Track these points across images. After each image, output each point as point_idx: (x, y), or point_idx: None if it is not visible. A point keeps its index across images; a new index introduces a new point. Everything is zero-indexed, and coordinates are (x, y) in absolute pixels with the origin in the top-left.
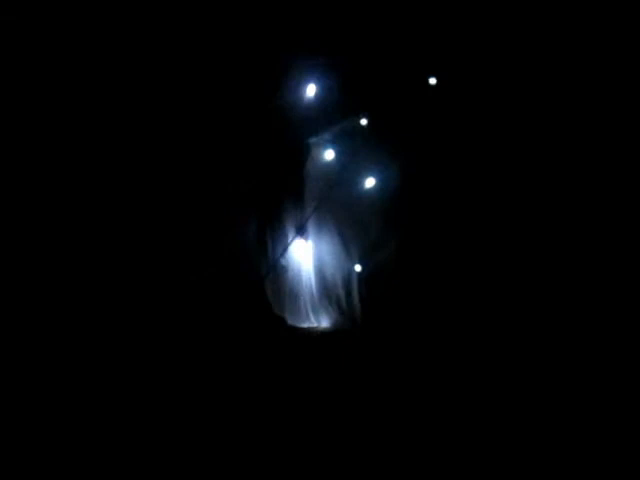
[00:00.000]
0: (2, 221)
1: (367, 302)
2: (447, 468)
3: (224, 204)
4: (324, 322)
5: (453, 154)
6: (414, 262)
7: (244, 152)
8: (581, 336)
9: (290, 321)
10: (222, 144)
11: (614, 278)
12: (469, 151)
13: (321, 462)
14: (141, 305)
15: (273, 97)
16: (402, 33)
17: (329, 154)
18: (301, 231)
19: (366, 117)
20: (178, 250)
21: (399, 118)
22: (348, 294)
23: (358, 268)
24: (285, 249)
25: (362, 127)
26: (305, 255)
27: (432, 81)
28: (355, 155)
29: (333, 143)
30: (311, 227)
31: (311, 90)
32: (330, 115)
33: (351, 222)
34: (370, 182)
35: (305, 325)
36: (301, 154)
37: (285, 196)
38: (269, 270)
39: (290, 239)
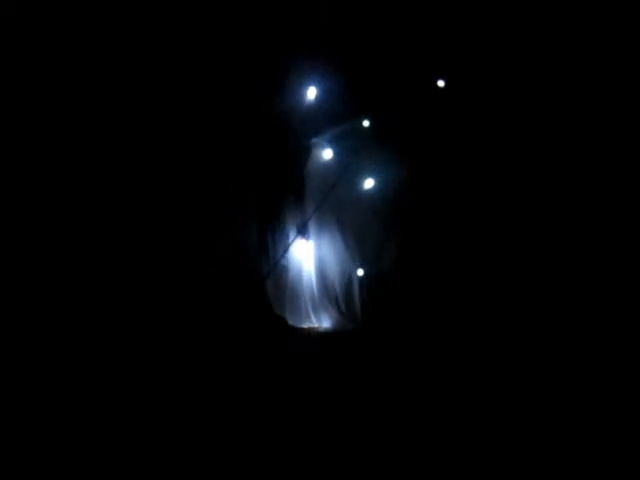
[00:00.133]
0: (2, 221)
1: (368, 302)
2: (447, 468)
3: (225, 204)
4: (325, 322)
5: (455, 156)
6: (415, 263)
7: (245, 152)
8: (582, 339)
9: (291, 321)
10: (223, 144)
11: (614, 278)
12: (471, 153)
13: (322, 462)
14: (142, 305)
15: (275, 98)
16: (404, 35)
17: (328, 153)
18: (302, 231)
19: (368, 119)
20: (179, 250)
21: (401, 119)
22: (349, 294)
23: (360, 272)
24: (286, 249)
25: (364, 128)
26: (306, 255)
27: (440, 84)
28: (356, 156)
29: (334, 144)
30: (312, 227)
31: (313, 91)
32: (332, 116)
33: (352, 223)
34: (371, 183)
35: (306, 325)
36: (302, 154)
37: (286, 196)
38: (270, 270)
39: (291, 239)
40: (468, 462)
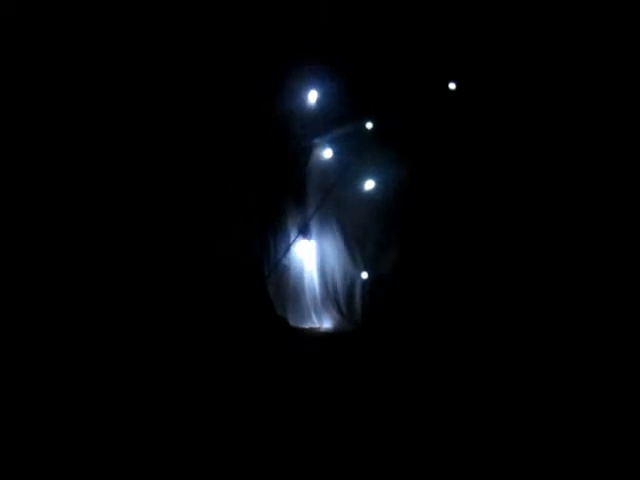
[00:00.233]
0: (2, 221)
1: (369, 303)
2: (447, 469)
3: (226, 204)
4: (326, 323)
5: (456, 157)
6: (416, 264)
7: (247, 153)
8: (582, 339)
9: (292, 321)
10: (225, 145)
11: (615, 279)
12: (472, 155)
13: (322, 462)
14: (142, 306)
15: (276, 99)
16: (405, 36)
17: (329, 154)
18: (304, 231)
19: (371, 120)
20: (180, 250)
21: (402, 121)
22: (350, 295)
23: (364, 275)
24: (287, 249)
25: (366, 130)
26: (307, 255)
27: (451, 86)
28: (358, 157)
29: (336, 145)
30: (314, 228)
31: (314, 92)
32: (333, 117)
33: (354, 223)
34: (373, 184)
35: (307, 325)
36: (304, 155)
37: (288, 197)
38: (271, 270)
39: (292, 239)
40: (468, 462)
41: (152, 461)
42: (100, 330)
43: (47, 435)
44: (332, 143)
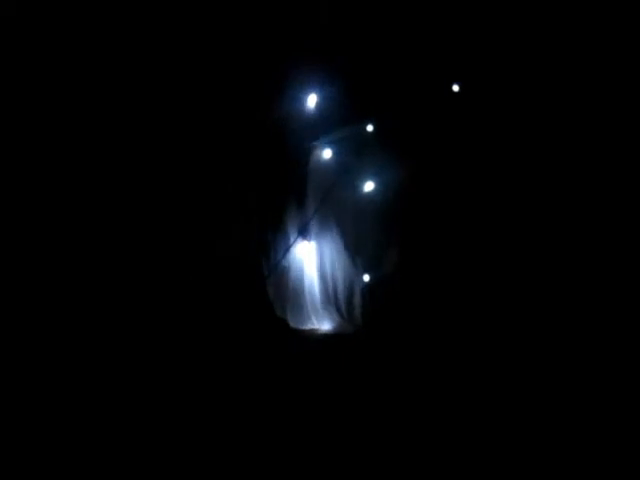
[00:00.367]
0: (2, 221)
1: (369, 305)
2: (447, 470)
3: (226, 205)
4: (326, 324)
5: (457, 160)
6: (416, 265)
7: (247, 153)
8: (582, 344)
9: (292, 322)
10: (225, 145)
11: (616, 280)
12: (474, 156)
13: (322, 464)
14: (141, 307)
15: (276, 100)
16: (407, 38)
17: (328, 154)
18: (303, 232)
19: (372, 122)
20: (180, 250)
21: (403, 122)
22: (350, 296)
23: (366, 277)
24: (287, 250)
25: (367, 132)
26: (307, 257)
27: (455, 88)
28: (359, 158)
29: (336, 146)
30: (314, 229)
31: (315, 93)
32: (334, 119)
33: (354, 225)
34: (373, 186)
35: (307, 327)
36: (304, 156)
37: (288, 197)
38: (271, 271)
39: (292, 240)
40: (468, 462)
41: (152, 461)
42: (100, 330)
43: (47, 435)
44: (332, 144)
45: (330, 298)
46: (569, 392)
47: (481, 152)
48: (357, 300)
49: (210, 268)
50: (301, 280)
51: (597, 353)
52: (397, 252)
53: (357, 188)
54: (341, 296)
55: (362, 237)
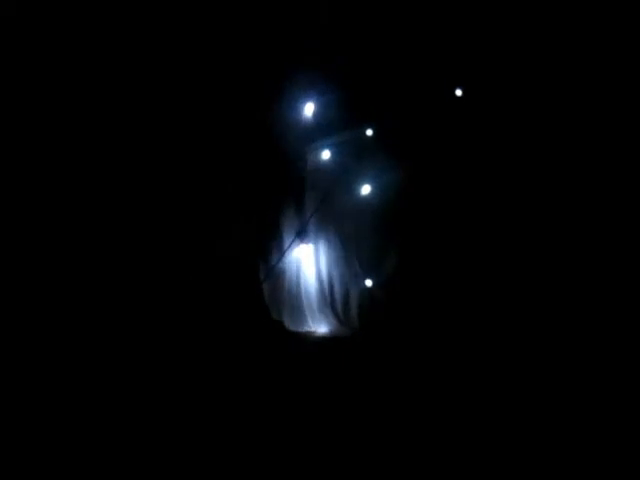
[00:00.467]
0: (1, 221)
1: (366, 308)
2: (443, 473)
3: (223, 207)
4: (322, 327)
5: (457, 163)
6: (414, 269)
7: (246, 154)
8: (583, 350)
9: (288, 325)
10: (225, 146)
11: (616, 280)
12: (474, 160)
13: (319, 466)
14: (140, 307)
15: (276, 101)
16: (407, 41)
17: (327, 156)
18: (301, 235)
19: (372, 126)
20: (181, 250)
21: (402, 126)
22: (347, 299)
23: (364, 281)
24: (284, 253)
25: (366, 135)
26: (305, 259)
27: (458, 92)
28: (358, 161)
29: (335, 148)
30: (311, 231)
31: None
32: (334, 122)
33: (352, 227)
34: (372, 189)
35: (303, 329)
36: (303, 158)
37: (286, 199)
38: (268, 273)
39: (290, 243)
40: (464, 467)
41: (149, 462)
42: (97, 329)
43: (46, 435)
44: (331, 147)
45: (327, 301)
46: (568, 396)
47: (482, 156)
48: (354, 303)
49: (210, 268)
50: (298, 282)
51: (597, 355)
52: (395, 255)
53: (356, 190)
54: (338, 299)
55: (360, 240)
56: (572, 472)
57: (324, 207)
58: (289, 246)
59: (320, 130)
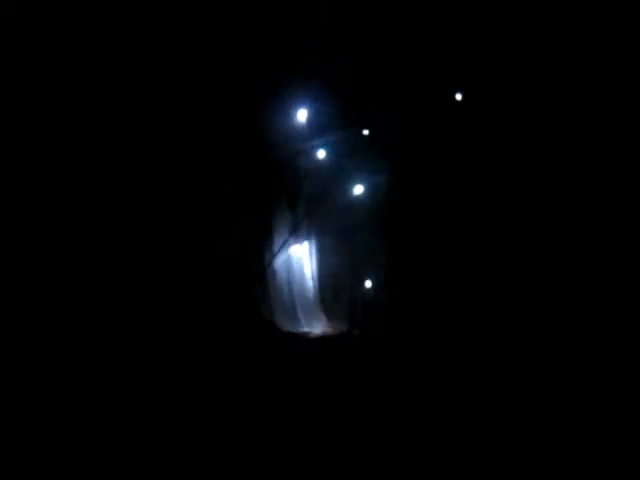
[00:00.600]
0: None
1: (362, 308)
2: (441, 472)
3: (223, 207)
4: (317, 328)
5: (451, 162)
6: (410, 268)
7: (246, 154)
8: (583, 352)
9: (282, 326)
10: (225, 146)
11: (613, 280)
12: (473, 162)
13: (315, 467)
14: (137, 308)
15: (274, 101)
16: (409, 44)
17: (324, 156)
18: (296, 234)
19: (369, 126)
20: (177, 252)
21: (399, 126)
22: (342, 300)
23: (359, 281)
24: (278, 252)
25: (363, 135)
26: (299, 259)
27: (458, 97)
28: (354, 160)
29: (331, 148)
30: (307, 231)
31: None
32: (331, 121)
33: (348, 227)
34: (367, 188)
35: (297, 330)
36: (299, 158)
37: (280, 199)
38: (262, 273)
39: (285, 242)
40: (464, 466)
41: (146, 463)
42: (96, 328)
43: (46, 434)
44: (328, 146)
45: (321, 301)
46: (568, 401)
47: (479, 158)
48: (349, 303)
49: (209, 268)
50: (292, 282)
51: (596, 361)
52: (391, 255)
53: (352, 190)
54: (332, 299)
55: (356, 240)
56: (572, 472)
57: (320, 206)
58: (282, 246)
59: (317, 129)
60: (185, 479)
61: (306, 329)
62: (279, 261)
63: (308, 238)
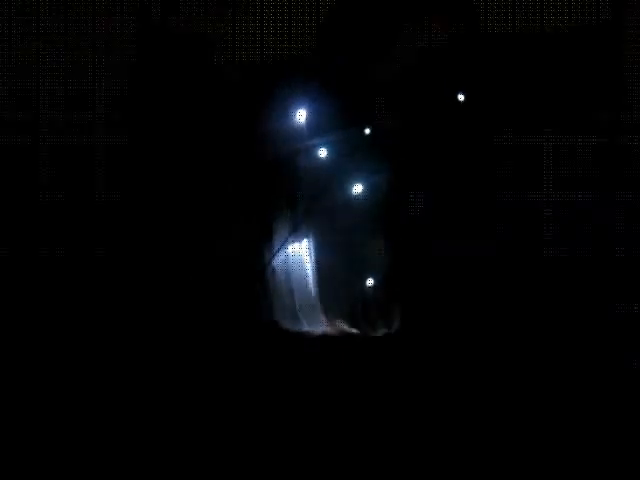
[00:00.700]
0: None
1: (362, 307)
2: (441, 470)
3: (223, 207)
4: (317, 327)
5: (451, 160)
6: (410, 267)
7: (245, 154)
8: (583, 356)
9: (283, 325)
10: (225, 146)
11: (613, 282)
12: (469, 159)
13: (316, 466)
14: (137, 308)
15: (274, 100)
16: (409, 45)
17: (324, 155)
18: (296, 233)
19: (370, 126)
20: (178, 252)
21: (398, 125)
22: (342, 299)
23: (360, 280)
24: (278, 251)
25: (364, 134)
26: (299, 258)
27: (460, 97)
28: (354, 159)
29: (331, 147)
30: (307, 230)
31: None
32: (331, 120)
33: (348, 226)
34: (367, 186)
35: (298, 329)
36: (299, 157)
37: (280, 198)
38: (262, 272)
39: (285, 241)
40: (464, 466)
41: (145, 463)
42: (95, 327)
43: (46, 434)
44: (328, 145)
45: (322, 300)
46: (569, 408)
47: (479, 158)
48: (350, 302)
49: (209, 268)
50: (292, 282)
51: (596, 366)
52: (391, 254)
53: (352, 189)
54: (332, 298)
55: (356, 239)
56: (572, 472)
57: (320, 206)
58: (282, 245)
59: (317, 129)
60: (185, 479)
61: (306, 328)
62: (279, 260)
63: (308, 237)
